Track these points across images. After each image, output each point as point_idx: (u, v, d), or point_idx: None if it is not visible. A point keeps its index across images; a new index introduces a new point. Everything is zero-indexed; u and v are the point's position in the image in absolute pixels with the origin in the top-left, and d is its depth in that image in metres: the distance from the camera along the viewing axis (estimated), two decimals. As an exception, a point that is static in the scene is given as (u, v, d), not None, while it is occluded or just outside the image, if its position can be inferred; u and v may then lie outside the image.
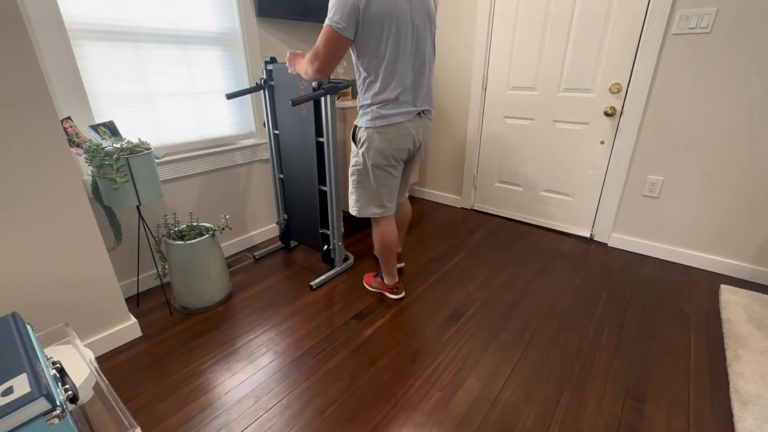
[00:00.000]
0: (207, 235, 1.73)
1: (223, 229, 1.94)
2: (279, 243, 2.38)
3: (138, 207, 1.68)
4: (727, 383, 1.41)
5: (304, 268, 2.16)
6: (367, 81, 1.47)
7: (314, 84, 1.68)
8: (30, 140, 1.19)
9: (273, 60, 1.96)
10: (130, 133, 1.76)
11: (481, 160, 2.86)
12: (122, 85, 1.70)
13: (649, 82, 2.04)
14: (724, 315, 1.75)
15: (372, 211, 1.66)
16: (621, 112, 2.19)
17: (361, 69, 1.47)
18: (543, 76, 2.39)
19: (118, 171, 1.45)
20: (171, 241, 1.68)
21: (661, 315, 1.78)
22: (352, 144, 1.61)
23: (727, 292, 1.91)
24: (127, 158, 1.47)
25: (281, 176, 2.19)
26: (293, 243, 2.42)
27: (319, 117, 1.82)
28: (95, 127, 1.51)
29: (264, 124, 2.15)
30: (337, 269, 2.09)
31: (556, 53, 2.31)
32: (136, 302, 1.87)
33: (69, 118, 1.49)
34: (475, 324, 1.72)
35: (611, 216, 2.38)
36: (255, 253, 2.27)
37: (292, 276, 2.09)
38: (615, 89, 2.15)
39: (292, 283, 2.02)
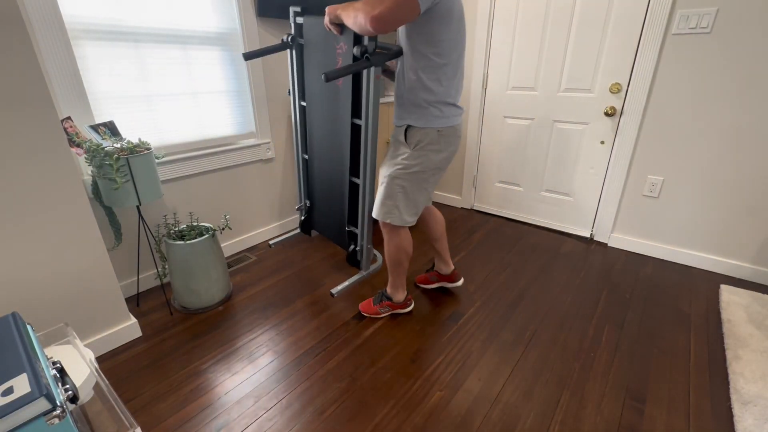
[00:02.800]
0: (207, 235, 1.73)
1: (223, 229, 1.94)
2: (297, 230, 2.14)
3: (138, 207, 1.68)
4: (727, 383, 1.41)
5: (304, 268, 2.16)
6: (431, 77, 1.33)
7: (355, 51, 1.33)
8: (30, 140, 1.19)
9: (304, 11, 1.59)
10: (130, 133, 1.76)
11: (481, 160, 2.86)
12: (122, 85, 1.70)
13: (649, 82, 2.04)
14: (724, 315, 1.75)
15: (405, 220, 1.52)
16: (621, 112, 2.19)
17: (425, 63, 1.31)
18: (543, 76, 2.39)
19: (118, 171, 1.45)
20: (171, 241, 1.68)
21: (661, 315, 1.78)
22: (399, 146, 1.47)
23: (727, 292, 1.91)
24: (127, 158, 1.47)
25: (305, 156, 1.87)
26: (314, 233, 2.13)
27: (357, 93, 1.46)
28: (95, 127, 1.51)
29: (289, 92, 1.81)
30: (362, 274, 1.84)
31: (556, 53, 2.31)
32: (136, 302, 1.87)
33: (69, 118, 1.49)
34: (475, 324, 1.72)
35: (611, 216, 2.38)
36: (270, 241, 2.12)
37: (292, 276, 2.09)
38: (615, 89, 2.15)
39: (293, 283, 2.02)
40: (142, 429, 1.23)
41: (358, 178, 1.63)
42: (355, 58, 1.36)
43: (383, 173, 1.51)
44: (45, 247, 1.30)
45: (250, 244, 2.43)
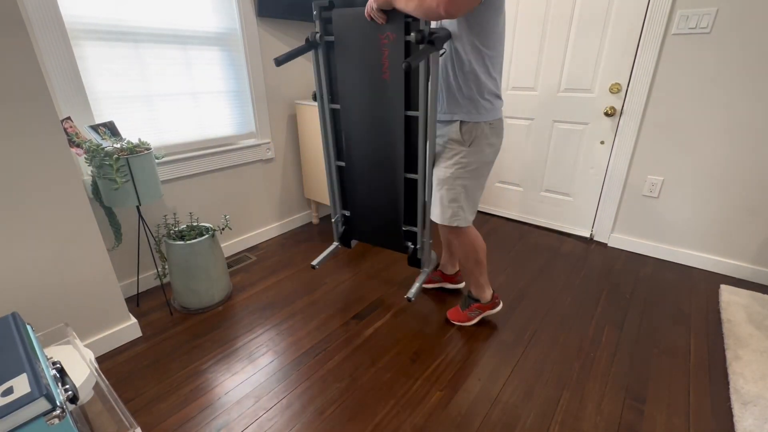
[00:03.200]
0: (207, 235, 1.73)
1: (223, 229, 1.94)
2: (335, 244, 1.97)
3: (138, 207, 1.68)
4: (727, 383, 1.41)
5: (304, 268, 2.16)
6: (483, 69, 1.30)
7: (412, 38, 1.26)
8: (30, 140, 1.19)
9: (332, 5, 1.44)
10: (130, 133, 1.76)
11: (481, 160, 2.86)
12: (122, 85, 1.70)
13: (649, 82, 2.04)
14: (724, 315, 1.75)
15: (469, 220, 1.50)
16: (621, 112, 2.19)
17: (478, 56, 1.29)
18: (543, 76, 2.39)
19: (118, 171, 1.45)
20: (171, 241, 1.68)
21: (661, 315, 1.78)
22: (453, 144, 1.42)
23: (727, 292, 1.91)
24: (127, 158, 1.47)
25: (340, 164, 1.76)
26: (354, 242, 1.99)
27: (409, 83, 1.39)
28: (95, 127, 1.51)
29: (313, 97, 1.67)
30: (426, 271, 1.75)
31: (556, 53, 2.31)
32: (136, 302, 1.87)
33: (69, 118, 1.49)
34: (475, 324, 1.72)
35: (611, 216, 2.38)
36: (313, 263, 1.92)
37: (292, 276, 2.09)
38: (615, 89, 2.15)
39: (292, 284, 2.02)
40: (142, 429, 1.23)
41: (415, 173, 1.55)
42: (407, 45, 1.31)
43: (438, 176, 1.47)
44: (45, 247, 1.30)
45: (250, 244, 2.43)
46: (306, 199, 2.72)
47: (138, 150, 1.52)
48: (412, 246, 1.70)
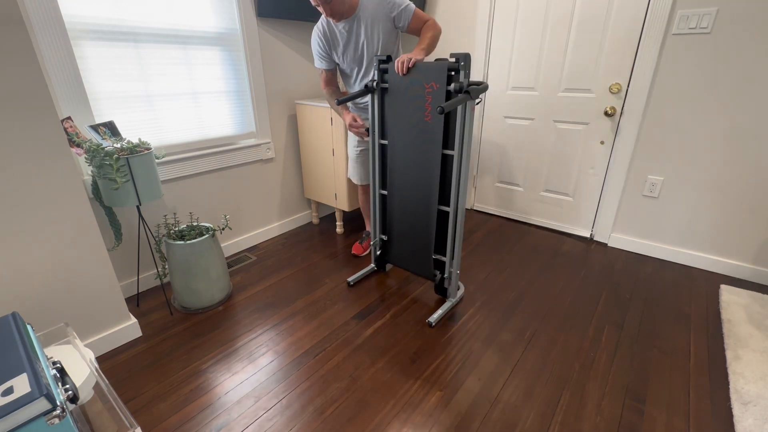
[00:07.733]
0: (207, 235, 1.73)
1: (223, 229, 1.94)
2: (372, 266, 2.13)
3: (138, 207, 1.68)
4: (727, 383, 1.41)
5: (304, 268, 2.16)
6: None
7: (452, 87, 1.47)
8: (30, 140, 1.19)
9: (389, 59, 1.70)
10: (131, 132, 1.76)
11: (480, 161, 2.86)
12: (122, 85, 1.70)
13: (649, 82, 2.04)
14: (724, 315, 1.75)
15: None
16: (621, 112, 2.19)
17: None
18: (543, 76, 2.39)
19: (118, 171, 1.45)
20: (171, 241, 1.68)
21: (661, 315, 1.78)
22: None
23: (727, 292, 1.91)
24: (127, 158, 1.47)
25: (383, 192, 1.93)
26: (389, 266, 2.16)
27: (448, 125, 1.57)
28: (95, 127, 1.51)
29: (367, 131, 1.89)
30: (452, 301, 1.84)
31: (556, 53, 2.31)
32: (136, 302, 1.87)
33: (69, 118, 1.49)
34: (475, 324, 1.72)
35: (611, 216, 2.38)
36: (349, 279, 2.03)
37: (292, 276, 2.09)
38: (615, 89, 2.15)
39: (292, 283, 2.02)
40: (142, 429, 1.24)
41: (447, 206, 1.69)
42: (448, 93, 1.50)
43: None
44: (45, 247, 1.30)
45: (250, 244, 2.43)
46: (306, 199, 2.72)
47: (138, 150, 1.52)
48: (440, 275, 1.80)
